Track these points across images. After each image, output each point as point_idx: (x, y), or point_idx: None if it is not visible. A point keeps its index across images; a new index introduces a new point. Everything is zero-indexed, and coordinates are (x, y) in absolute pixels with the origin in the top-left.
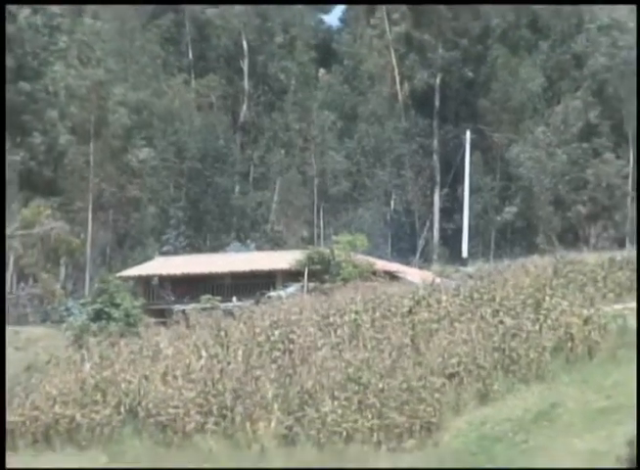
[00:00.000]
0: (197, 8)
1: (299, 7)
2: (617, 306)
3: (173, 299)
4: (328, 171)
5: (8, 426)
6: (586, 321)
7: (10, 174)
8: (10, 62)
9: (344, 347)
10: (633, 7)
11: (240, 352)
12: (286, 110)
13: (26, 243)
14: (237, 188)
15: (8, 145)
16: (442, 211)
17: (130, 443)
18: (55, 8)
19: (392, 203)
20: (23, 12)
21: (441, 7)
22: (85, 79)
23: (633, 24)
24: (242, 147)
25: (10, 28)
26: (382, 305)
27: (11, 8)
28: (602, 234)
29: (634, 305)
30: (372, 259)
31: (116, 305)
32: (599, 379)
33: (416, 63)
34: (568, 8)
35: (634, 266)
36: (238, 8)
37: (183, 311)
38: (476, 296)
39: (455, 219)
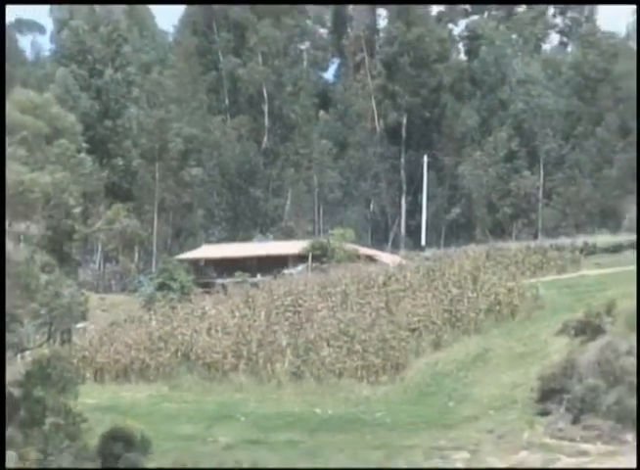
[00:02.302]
0: (232, 67)
1: (305, 66)
2: (532, 280)
3: (215, 275)
4: (325, 184)
5: (97, 365)
6: (510, 291)
7: (98, 186)
8: (98, 106)
9: (337, 309)
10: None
11: (262, 313)
12: (295, 140)
13: (109, 235)
14: (261, 196)
15: (96, 166)
16: (407, 212)
17: (184, 378)
18: (131, 68)
19: (371, 206)
20: (108, 71)
21: (407, 67)
22: (152, 118)
23: (542, 78)
24: (264, 166)
25: (98, 82)
26: (364, 279)
27: (98, 66)
28: (521, 229)
29: (544, 279)
30: (357, 247)
31: (174, 280)
32: (519, 332)
33: (389, 106)
34: (494, 68)
35: (544, 252)
36: (261, 68)
37: (222, 284)
38: (431, 273)
39: (416, 218)
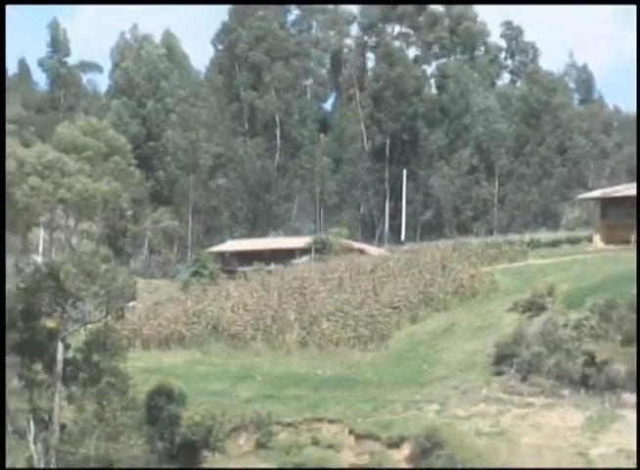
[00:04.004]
0: (251, 99)
1: (309, 98)
2: (489, 268)
3: (237, 264)
4: (325, 192)
5: (144, 336)
6: (471, 276)
7: (144, 194)
8: (143, 130)
9: (334, 291)
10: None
11: (275, 294)
12: (301, 157)
13: (154, 232)
14: (274, 201)
15: (143, 177)
16: (390, 214)
17: (213, 345)
18: (169, 99)
19: (361, 210)
20: (150, 102)
21: (390, 100)
22: (186, 139)
23: (497, 108)
24: (276, 178)
25: (143, 111)
26: (355, 267)
27: (143, 98)
28: (480, 228)
29: (499, 267)
30: (350, 242)
31: (205, 268)
32: (479, 309)
33: (375, 130)
34: (459, 100)
35: (498, 246)
36: (274, 100)
37: (243, 271)
38: (409, 262)
39: (397, 219)
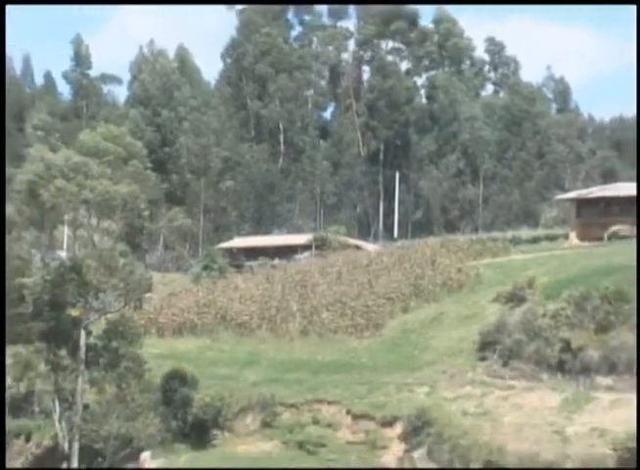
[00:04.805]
0: (257, 108)
1: (310, 107)
2: (474, 263)
3: (244, 259)
4: (325, 193)
5: (159, 324)
6: (458, 270)
7: (160, 195)
8: (158, 136)
9: (333, 284)
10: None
11: (279, 287)
12: (303, 161)
13: (169, 230)
14: (278, 202)
15: (158, 180)
16: (384, 213)
17: (222, 333)
18: (181, 109)
19: (358, 209)
20: (165, 111)
21: (383, 109)
22: (198, 145)
23: (482, 116)
24: (280, 181)
25: (158, 119)
26: (352, 262)
27: (158, 108)
28: (466, 226)
29: (483, 262)
30: (347, 239)
31: (215, 262)
32: (465, 300)
33: (370, 137)
34: (447, 109)
35: (483, 242)
36: (278, 109)
37: (249, 266)
38: (401, 257)
39: (390, 218)
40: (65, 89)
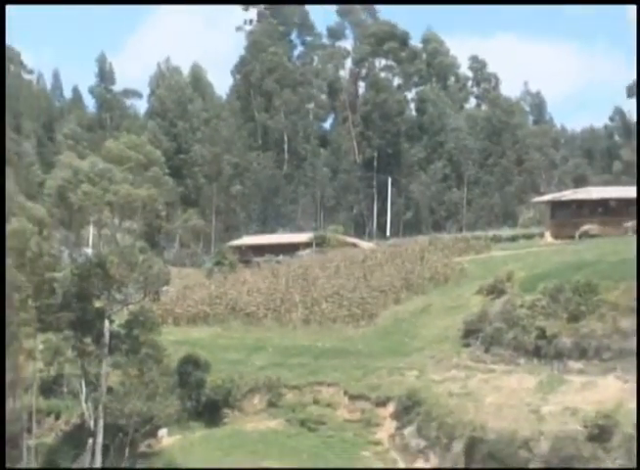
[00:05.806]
0: (263, 120)
1: (311, 119)
2: (459, 259)
3: (252, 255)
4: (324, 196)
5: (175, 314)
6: (444, 265)
7: (176, 198)
8: (174, 145)
9: (332, 277)
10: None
11: (283, 280)
12: (305, 168)
13: (184, 230)
14: (282, 204)
15: (174, 184)
16: (378, 214)
17: (232, 323)
18: (195, 120)
19: (354, 210)
20: (180, 122)
21: (377, 120)
22: (210, 153)
23: (466, 127)
24: (284, 185)
25: (174, 129)
26: (349, 258)
27: (174, 119)
28: (452, 226)
29: (467, 258)
30: (345, 237)
31: (226, 258)
32: (450, 293)
33: (365, 146)
34: (435, 120)
35: (467, 240)
36: (283, 120)
37: (257, 262)
38: (393, 254)
39: (383, 218)
40: (90, 103)
